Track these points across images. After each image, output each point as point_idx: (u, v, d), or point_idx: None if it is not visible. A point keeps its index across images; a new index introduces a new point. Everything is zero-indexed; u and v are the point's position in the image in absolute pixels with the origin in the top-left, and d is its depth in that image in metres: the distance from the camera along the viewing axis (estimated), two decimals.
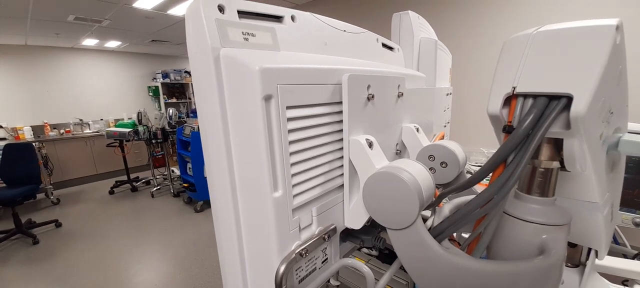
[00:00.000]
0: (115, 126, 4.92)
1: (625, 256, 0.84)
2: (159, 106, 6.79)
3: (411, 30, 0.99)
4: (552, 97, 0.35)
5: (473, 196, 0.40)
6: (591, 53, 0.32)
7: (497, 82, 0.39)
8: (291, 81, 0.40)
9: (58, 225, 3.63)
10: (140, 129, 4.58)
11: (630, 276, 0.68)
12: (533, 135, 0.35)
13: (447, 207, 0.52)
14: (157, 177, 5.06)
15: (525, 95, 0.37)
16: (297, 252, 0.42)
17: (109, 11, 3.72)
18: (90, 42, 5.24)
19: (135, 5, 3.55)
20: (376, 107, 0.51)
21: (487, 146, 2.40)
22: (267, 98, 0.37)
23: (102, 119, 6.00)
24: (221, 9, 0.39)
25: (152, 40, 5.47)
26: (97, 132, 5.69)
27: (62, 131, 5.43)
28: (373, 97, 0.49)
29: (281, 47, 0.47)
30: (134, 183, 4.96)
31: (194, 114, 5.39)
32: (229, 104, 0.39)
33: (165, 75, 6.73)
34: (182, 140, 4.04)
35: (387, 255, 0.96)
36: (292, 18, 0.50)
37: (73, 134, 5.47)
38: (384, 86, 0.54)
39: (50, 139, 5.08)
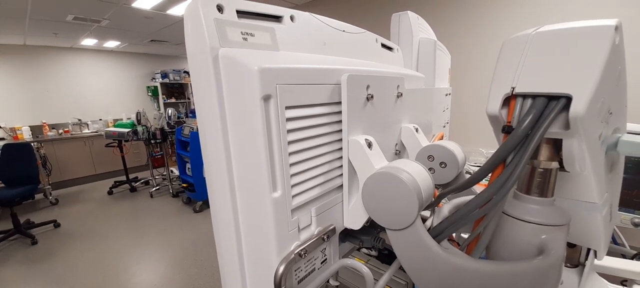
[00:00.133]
0: (114, 126, 4.90)
1: (624, 256, 0.84)
2: (158, 106, 6.78)
3: (410, 31, 0.99)
4: (551, 98, 0.35)
5: (472, 196, 0.40)
6: (590, 53, 0.32)
7: (496, 83, 0.39)
8: (290, 81, 0.40)
9: (57, 225, 3.62)
10: (139, 129, 4.57)
11: (629, 276, 0.68)
12: (532, 135, 0.35)
13: (446, 207, 0.52)
14: (156, 177, 5.06)
15: (525, 96, 0.37)
16: (296, 252, 0.42)
17: (108, 11, 3.71)
18: (89, 42, 5.23)
19: (134, 5, 3.55)
20: (375, 107, 0.51)
21: (486, 146, 2.40)
22: (266, 98, 0.37)
23: (101, 119, 5.98)
24: (220, 8, 0.39)
25: (151, 40, 5.46)
26: (95, 132, 5.68)
27: (60, 131, 5.42)
28: (372, 97, 0.49)
29: (280, 47, 0.46)
30: (132, 184, 4.95)
31: (193, 114, 5.38)
32: (228, 104, 0.39)
33: (164, 75, 6.73)
34: (181, 141, 4.04)
35: (387, 256, 0.95)
36: (291, 18, 0.50)
37: (72, 134, 5.45)
38: (383, 86, 0.54)
39: (48, 139, 5.07)
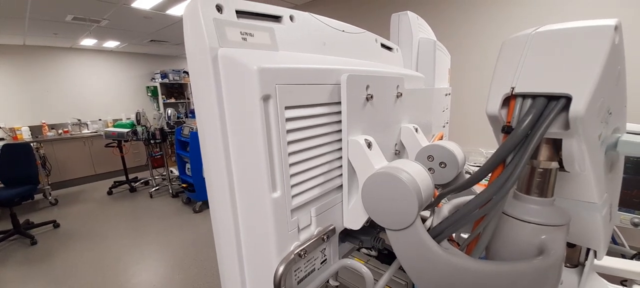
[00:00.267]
0: (114, 126, 4.90)
1: (623, 256, 0.84)
2: (158, 106, 6.78)
3: (410, 31, 0.99)
4: (551, 98, 0.35)
5: (472, 196, 0.40)
6: (590, 53, 0.32)
7: (495, 83, 0.39)
8: (290, 81, 0.40)
9: (56, 225, 3.61)
10: (139, 129, 4.56)
11: (629, 276, 0.68)
12: (532, 135, 0.35)
13: (446, 207, 0.52)
14: (156, 177, 5.05)
15: (524, 96, 0.37)
16: (296, 252, 0.42)
17: (108, 11, 3.71)
18: (88, 42, 5.22)
19: (134, 5, 3.55)
20: (375, 107, 0.51)
21: (486, 146, 2.40)
22: (266, 98, 0.37)
23: (100, 119, 5.98)
24: (219, 8, 0.39)
25: (151, 40, 5.46)
26: (95, 132, 5.68)
27: (60, 131, 5.41)
28: (372, 97, 0.49)
29: (280, 47, 0.46)
30: (132, 184, 4.95)
31: (192, 114, 5.38)
32: (227, 104, 0.39)
33: (163, 75, 6.72)
34: (181, 141, 4.03)
35: (386, 256, 0.95)
36: (291, 18, 0.50)
37: (71, 134, 5.45)
38: (382, 86, 0.53)
39: (48, 139, 5.07)
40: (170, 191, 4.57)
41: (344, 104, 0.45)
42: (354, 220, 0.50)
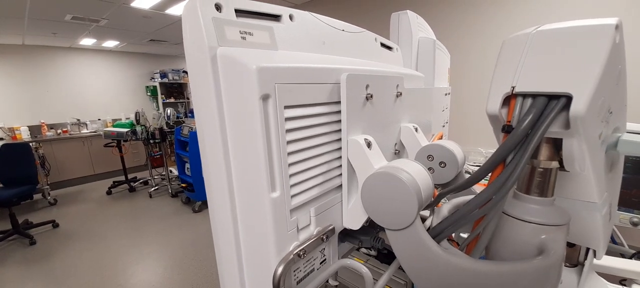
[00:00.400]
0: (113, 126, 4.89)
1: (623, 255, 0.84)
2: (157, 106, 6.77)
3: (410, 30, 0.99)
4: (552, 97, 0.35)
5: (472, 196, 0.40)
6: (591, 52, 0.32)
7: (496, 82, 0.39)
8: (289, 80, 0.40)
9: (55, 225, 3.61)
10: (138, 129, 4.56)
11: (628, 276, 0.68)
12: (532, 135, 0.35)
13: (445, 207, 0.52)
14: (155, 177, 5.05)
15: (525, 95, 0.37)
16: (295, 252, 0.42)
17: (107, 11, 3.70)
18: (87, 41, 5.21)
19: (133, 4, 3.54)
20: (375, 106, 0.51)
21: (486, 146, 2.40)
22: (265, 97, 0.37)
23: (99, 119, 5.97)
24: (218, 7, 0.39)
25: (150, 40, 5.45)
26: (94, 132, 5.67)
27: (59, 131, 5.40)
28: (371, 96, 0.49)
29: (279, 46, 0.46)
30: (131, 184, 4.94)
31: (192, 114, 5.38)
32: (226, 104, 0.39)
33: (163, 75, 6.71)
34: (180, 140, 4.03)
35: (386, 255, 0.95)
36: (290, 17, 0.49)
37: (70, 134, 5.44)
38: (382, 86, 0.53)
39: (47, 139, 5.06)
40: (170, 191, 4.56)
41: (344, 103, 0.45)
42: (354, 220, 0.50)
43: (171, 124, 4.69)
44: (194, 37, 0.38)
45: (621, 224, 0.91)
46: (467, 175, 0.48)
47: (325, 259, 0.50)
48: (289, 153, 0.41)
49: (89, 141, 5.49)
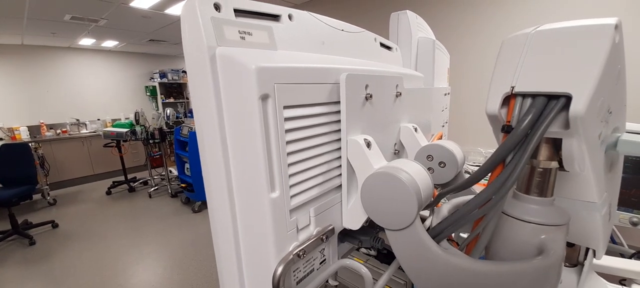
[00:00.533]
0: (113, 126, 4.89)
1: (622, 255, 0.84)
2: (157, 106, 6.76)
3: (409, 30, 0.99)
4: (551, 97, 0.35)
5: (471, 196, 0.40)
6: (590, 52, 0.32)
7: (495, 82, 0.39)
8: (288, 80, 0.39)
9: (55, 225, 3.60)
10: (138, 129, 4.55)
11: (628, 275, 0.68)
12: (532, 135, 0.35)
13: (445, 207, 0.52)
14: (155, 177, 5.04)
15: (524, 95, 0.37)
16: (294, 253, 0.42)
17: (106, 10, 3.70)
18: (87, 41, 5.20)
19: (132, 4, 3.53)
20: (374, 106, 0.51)
21: (485, 146, 2.40)
22: (264, 97, 0.37)
23: (99, 119, 5.96)
24: (217, 7, 0.39)
25: (150, 40, 5.45)
26: (94, 132, 5.66)
27: (58, 131, 5.40)
28: (371, 96, 0.49)
29: (278, 46, 0.46)
30: (131, 184, 4.94)
31: (191, 114, 5.36)
32: (225, 104, 0.39)
33: (162, 75, 6.71)
34: (180, 140, 4.03)
35: (386, 256, 0.95)
36: (290, 17, 0.49)
37: (70, 134, 5.43)
38: (382, 86, 0.53)
39: (46, 139, 5.05)
40: (169, 191, 4.56)
41: (343, 103, 0.45)
42: (353, 220, 0.50)
43: (170, 124, 4.69)
44: (192, 37, 0.38)
45: (621, 224, 0.91)
46: (467, 175, 0.48)
47: (325, 259, 0.50)
48: (289, 154, 0.41)
49: (89, 141, 5.48)
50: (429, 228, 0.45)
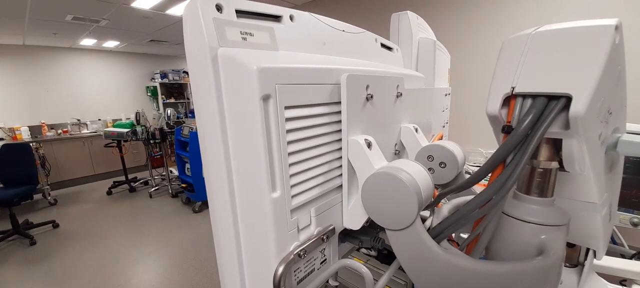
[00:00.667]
0: (113, 126, 4.89)
1: (623, 256, 0.84)
2: (157, 106, 6.77)
3: (410, 31, 0.99)
4: (551, 97, 0.35)
5: (472, 196, 0.40)
6: (590, 53, 0.32)
7: (496, 82, 0.39)
8: (289, 81, 0.40)
9: (55, 225, 3.61)
10: (139, 129, 4.56)
11: (628, 276, 0.68)
12: (532, 135, 0.35)
13: (446, 207, 0.52)
14: (155, 177, 5.05)
15: (525, 96, 0.37)
16: (295, 252, 0.42)
17: (107, 11, 3.70)
18: (88, 42, 5.22)
19: (134, 5, 3.54)
20: (375, 107, 0.51)
21: (486, 146, 2.40)
22: (265, 98, 0.37)
23: (100, 119, 5.97)
24: (219, 8, 0.39)
25: (151, 40, 5.46)
26: (94, 132, 5.67)
27: (59, 131, 5.41)
28: (372, 97, 0.49)
29: (280, 46, 0.46)
30: (132, 184, 4.94)
31: (192, 114, 5.38)
32: (227, 104, 0.39)
33: (163, 75, 6.72)
34: (181, 141, 4.03)
35: (386, 256, 0.95)
36: (291, 18, 0.50)
37: (71, 134, 5.44)
38: (382, 86, 0.53)
39: (47, 139, 5.06)
40: (170, 191, 4.56)
41: (344, 103, 0.45)
42: (354, 220, 0.50)
43: (171, 124, 4.69)
44: (194, 38, 0.38)
45: (621, 224, 0.91)
46: (467, 176, 0.48)
47: (325, 259, 0.51)
48: (290, 154, 0.41)
49: (89, 141, 5.49)
50: (429, 228, 0.45)
